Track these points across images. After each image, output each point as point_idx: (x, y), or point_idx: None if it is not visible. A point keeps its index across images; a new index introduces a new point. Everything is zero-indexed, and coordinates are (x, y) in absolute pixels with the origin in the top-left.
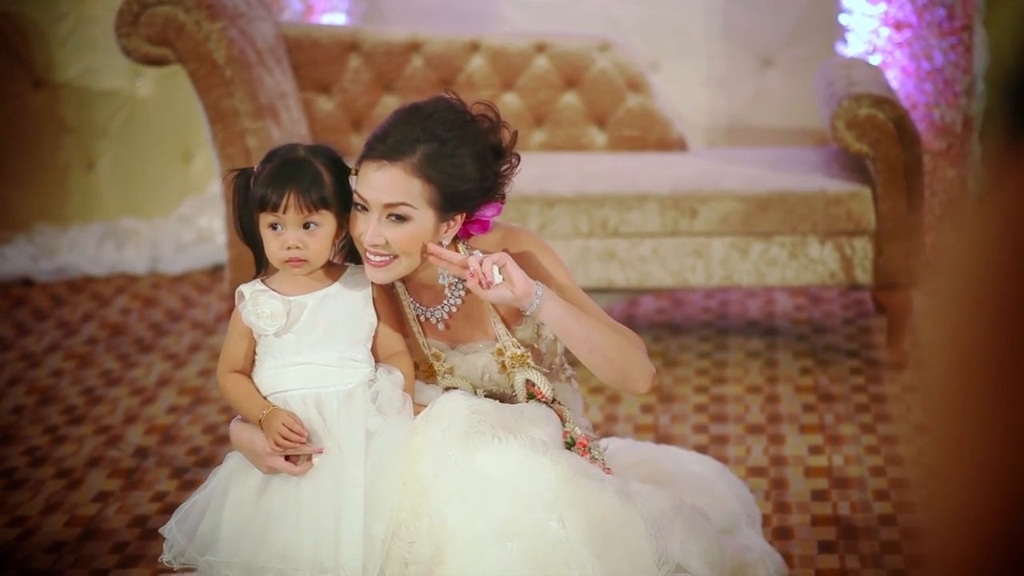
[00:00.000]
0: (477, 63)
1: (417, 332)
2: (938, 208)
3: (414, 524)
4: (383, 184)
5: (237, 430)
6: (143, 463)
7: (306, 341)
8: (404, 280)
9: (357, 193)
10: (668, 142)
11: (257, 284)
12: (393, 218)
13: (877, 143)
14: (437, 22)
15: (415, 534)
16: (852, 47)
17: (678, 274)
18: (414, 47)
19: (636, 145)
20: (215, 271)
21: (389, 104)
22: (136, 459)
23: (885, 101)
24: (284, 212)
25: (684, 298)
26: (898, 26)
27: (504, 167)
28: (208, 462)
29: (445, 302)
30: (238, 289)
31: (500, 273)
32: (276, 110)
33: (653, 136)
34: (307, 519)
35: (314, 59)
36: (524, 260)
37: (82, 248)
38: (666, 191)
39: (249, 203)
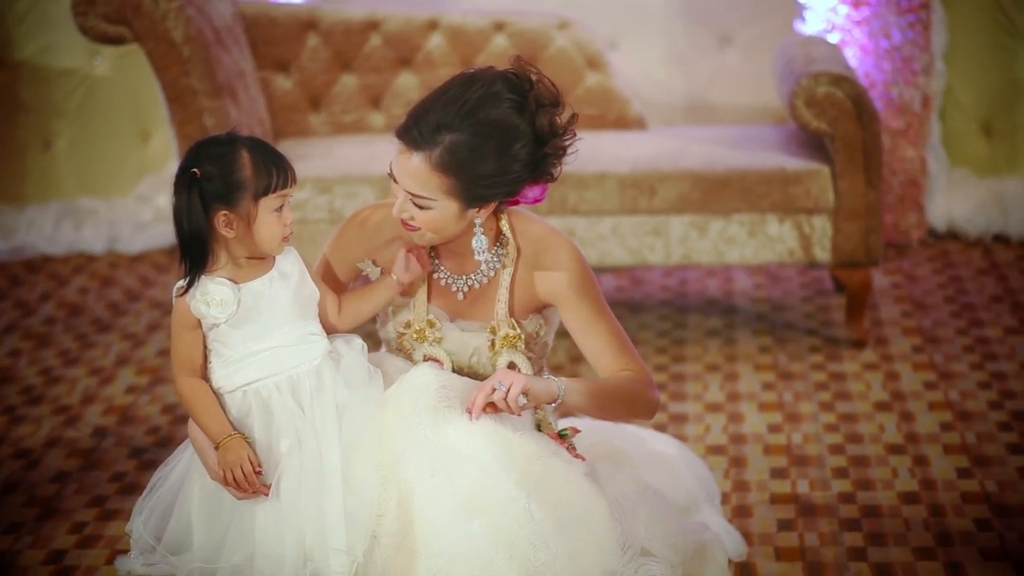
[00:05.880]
0: (436, 41)
1: (421, 292)
2: (897, 187)
3: (383, 497)
4: (406, 172)
5: (194, 432)
6: (101, 443)
7: (264, 326)
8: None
9: (391, 164)
10: (627, 120)
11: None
12: (415, 203)
13: (836, 121)
14: (395, 0)
15: (384, 507)
16: (811, 25)
17: (637, 252)
18: (372, 25)
19: (595, 123)
20: (173, 250)
21: (348, 82)
22: (94, 439)
23: (844, 79)
24: (292, 185)
25: (643, 276)
26: (856, 4)
27: (549, 152)
28: (167, 442)
29: (474, 275)
30: (176, 286)
31: (524, 397)
32: (234, 89)
33: (612, 114)
34: (288, 510)
35: (272, 37)
36: (553, 281)
37: (40, 228)
38: (625, 170)
39: (226, 197)
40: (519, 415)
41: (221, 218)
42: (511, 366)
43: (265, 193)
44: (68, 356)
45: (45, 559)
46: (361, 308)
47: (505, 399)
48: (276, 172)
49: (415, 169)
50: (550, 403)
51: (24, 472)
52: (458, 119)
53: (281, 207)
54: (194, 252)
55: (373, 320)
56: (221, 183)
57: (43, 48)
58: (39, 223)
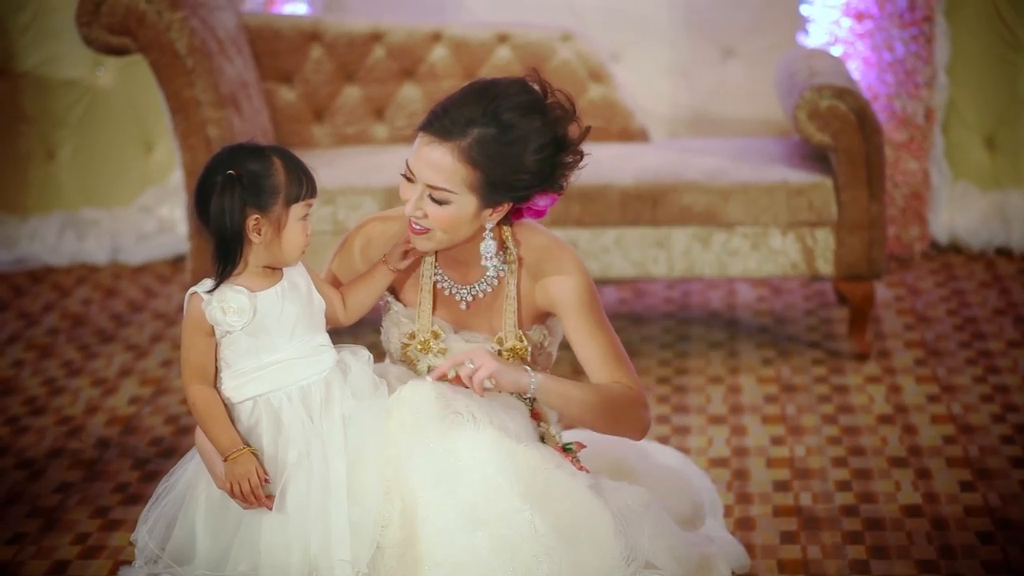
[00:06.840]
0: (439, 53)
1: (425, 303)
2: (900, 199)
3: (387, 507)
4: (429, 163)
5: (202, 440)
6: (105, 454)
7: (276, 337)
8: (439, 251)
9: (407, 162)
10: (630, 133)
11: (212, 283)
12: (433, 198)
13: (839, 134)
14: (399, 12)
15: (387, 518)
16: (814, 38)
17: (640, 265)
18: (376, 37)
19: (598, 136)
20: (176, 261)
21: (351, 94)
22: (98, 450)
23: (847, 92)
24: (315, 195)
25: (646, 289)
26: (859, 17)
27: (565, 160)
28: (170, 453)
29: (478, 284)
30: (190, 292)
31: (490, 381)
32: (237, 100)
33: (615, 127)
34: (294, 520)
35: (276, 49)
36: (556, 288)
37: (43, 238)
38: (628, 182)
39: (260, 201)
40: (481, 396)
41: (252, 222)
42: None
43: (296, 200)
44: (71, 367)
45: (48, 570)
46: (365, 300)
47: (471, 378)
48: (305, 179)
49: (439, 160)
50: (519, 394)
51: (27, 483)
52: (485, 116)
53: (305, 216)
54: (228, 254)
55: (377, 331)
56: (256, 187)
57: (46, 59)
58: (42, 233)
